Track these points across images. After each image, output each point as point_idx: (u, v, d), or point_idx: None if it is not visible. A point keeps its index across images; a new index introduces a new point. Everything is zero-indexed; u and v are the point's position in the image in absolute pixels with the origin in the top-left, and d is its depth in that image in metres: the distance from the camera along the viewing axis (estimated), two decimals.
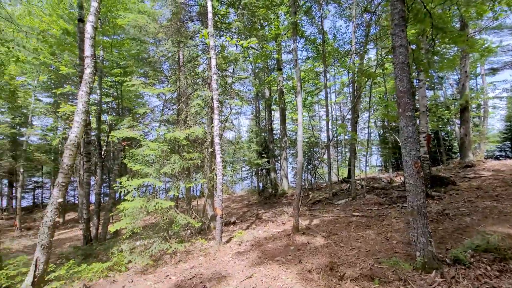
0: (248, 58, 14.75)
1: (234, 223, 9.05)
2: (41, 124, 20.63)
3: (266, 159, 13.66)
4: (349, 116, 16.11)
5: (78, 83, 15.91)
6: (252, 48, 12.58)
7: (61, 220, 19.82)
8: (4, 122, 14.97)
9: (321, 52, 11.86)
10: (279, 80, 14.62)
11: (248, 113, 23.53)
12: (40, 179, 24.83)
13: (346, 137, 21.70)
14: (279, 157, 21.11)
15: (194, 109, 6.57)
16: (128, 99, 13.70)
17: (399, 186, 9.74)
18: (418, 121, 7.95)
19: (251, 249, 5.55)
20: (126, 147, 9.61)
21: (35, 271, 4.75)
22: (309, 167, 18.38)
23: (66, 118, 16.87)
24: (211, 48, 6.34)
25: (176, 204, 7.51)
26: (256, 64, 17.58)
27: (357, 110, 14.38)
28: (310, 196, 10.98)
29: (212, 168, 7.22)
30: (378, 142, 23.87)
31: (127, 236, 6.03)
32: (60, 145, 19.75)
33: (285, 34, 11.51)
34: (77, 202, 26.54)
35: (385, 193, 9.14)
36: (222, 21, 8.64)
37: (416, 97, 9.24)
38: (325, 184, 14.32)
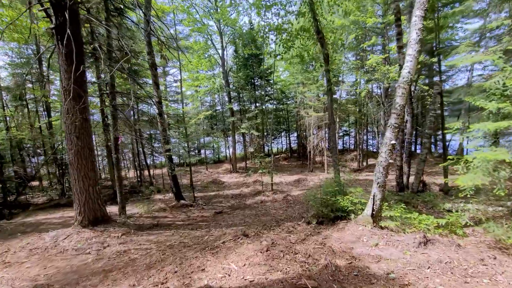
0: None
1: None
2: (347, 80, 24.01)
3: None
4: None
5: (381, 32, 15.83)
6: None
7: (364, 163, 22.88)
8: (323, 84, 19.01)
9: None
10: None
11: None
12: (347, 129, 30.12)
13: None
14: None
15: None
16: None
17: None
18: None
19: None
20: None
21: (373, 204, 5.14)
22: None
23: (365, 72, 17.99)
24: None
25: None
26: None
27: None
28: None
29: None
30: None
31: (466, 195, 4.77)
32: (362, 99, 21.96)
33: None
34: (375, 150, 29.26)
35: None
36: None
37: None
38: None
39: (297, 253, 3.92)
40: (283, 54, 7.78)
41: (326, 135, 21.43)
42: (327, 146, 20.99)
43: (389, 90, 17.78)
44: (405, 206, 5.29)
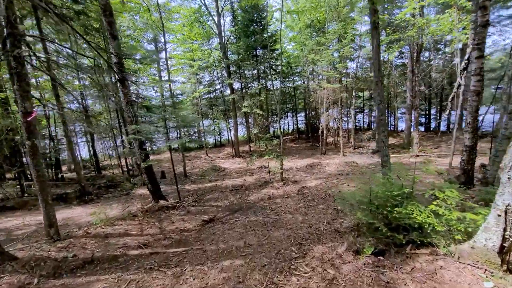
0: None
1: None
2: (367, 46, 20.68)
3: None
4: None
5: None
6: None
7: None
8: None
9: None
10: None
11: None
12: (360, 105, 27.02)
13: None
14: None
15: None
16: None
17: None
18: None
19: None
20: None
21: (505, 228, 2.55)
22: None
23: (393, 32, 14.76)
24: None
25: None
26: None
27: None
28: None
29: None
30: None
31: None
32: (387, 64, 18.77)
33: None
34: (392, 129, 26.32)
35: None
36: None
37: None
38: None
39: None
40: None
41: (337, 113, 18.56)
42: (343, 125, 18.19)
43: (420, 54, 14.64)
44: None
